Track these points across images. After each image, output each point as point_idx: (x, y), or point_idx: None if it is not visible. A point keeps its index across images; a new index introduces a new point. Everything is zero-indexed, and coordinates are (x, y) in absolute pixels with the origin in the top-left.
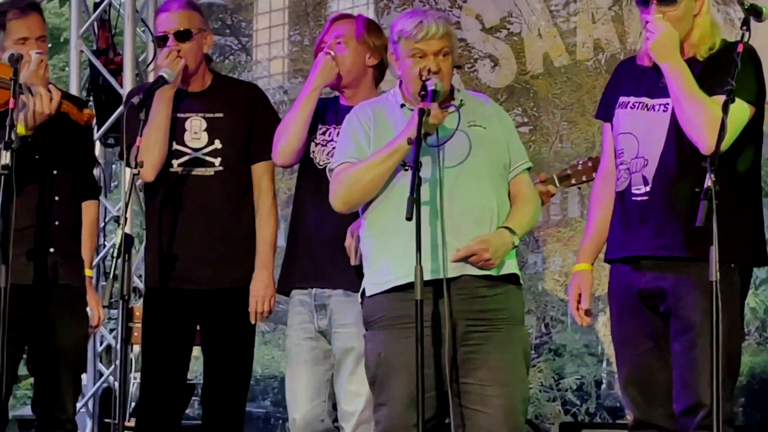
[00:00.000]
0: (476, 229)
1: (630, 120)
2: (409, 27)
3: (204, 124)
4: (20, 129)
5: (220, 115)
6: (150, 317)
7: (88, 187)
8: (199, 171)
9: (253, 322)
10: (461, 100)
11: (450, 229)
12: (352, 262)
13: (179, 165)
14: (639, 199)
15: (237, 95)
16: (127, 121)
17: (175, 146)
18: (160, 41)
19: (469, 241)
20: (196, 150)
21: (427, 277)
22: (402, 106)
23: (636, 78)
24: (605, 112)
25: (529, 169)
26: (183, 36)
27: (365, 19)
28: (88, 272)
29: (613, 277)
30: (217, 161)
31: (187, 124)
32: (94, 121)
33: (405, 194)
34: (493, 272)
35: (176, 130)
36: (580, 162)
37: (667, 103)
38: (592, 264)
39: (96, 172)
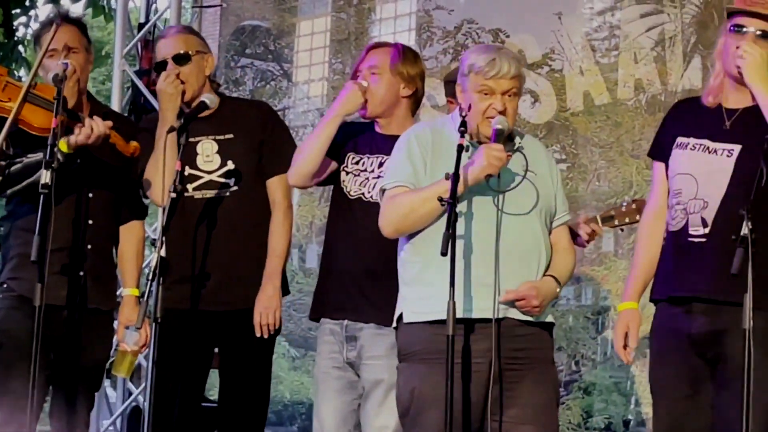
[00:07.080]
0: (522, 272)
1: (689, 161)
2: (481, 62)
3: (215, 147)
4: (62, 145)
5: (230, 136)
6: (167, 338)
7: (132, 208)
8: (215, 193)
9: (258, 335)
10: (520, 144)
11: (499, 271)
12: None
13: (194, 189)
14: (696, 240)
15: (246, 115)
16: (143, 146)
17: (189, 170)
18: (160, 67)
19: (520, 286)
20: (209, 172)
21: (473, 315)
22: (462, 134)
23: (696, 119)
24: (659, 151)
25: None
26: (181, 59)
27: (401, 48)
28: (134, 291)
29: (659, 318)
30: (231, 182)
31: (199, 148)
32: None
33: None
34: (533, 318)
35: (188, 155)
36: (624, 204)
37: (732, 149)
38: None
39: None
